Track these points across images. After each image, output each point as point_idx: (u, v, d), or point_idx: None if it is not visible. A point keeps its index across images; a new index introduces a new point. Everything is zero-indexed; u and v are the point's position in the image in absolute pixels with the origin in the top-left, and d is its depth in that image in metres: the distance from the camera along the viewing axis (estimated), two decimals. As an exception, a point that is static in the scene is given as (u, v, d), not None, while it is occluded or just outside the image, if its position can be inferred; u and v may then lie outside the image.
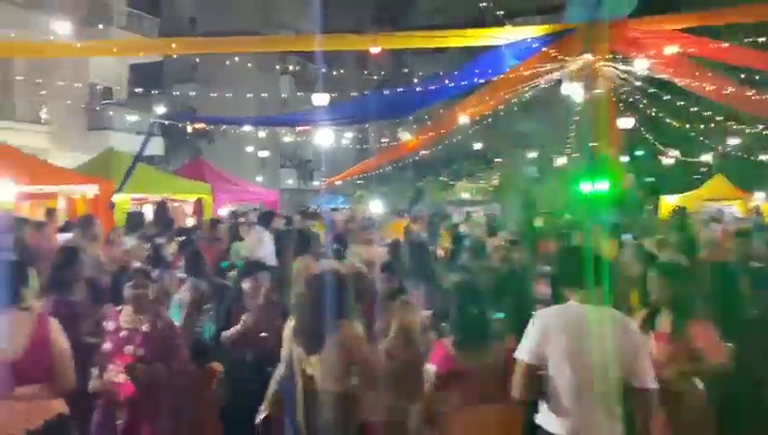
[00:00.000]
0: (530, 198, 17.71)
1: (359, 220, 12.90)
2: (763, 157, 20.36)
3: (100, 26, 20.02)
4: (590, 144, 11.97)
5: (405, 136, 15.81)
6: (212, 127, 20.09)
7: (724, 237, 8.81)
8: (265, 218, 9.84)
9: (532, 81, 11.29)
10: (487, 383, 3.60)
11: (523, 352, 3.26)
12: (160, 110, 14.40)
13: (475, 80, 11.17)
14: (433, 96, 11.96)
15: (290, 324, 4.05)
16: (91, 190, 12.46)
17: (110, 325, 4.19)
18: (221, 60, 23.25)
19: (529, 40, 10.11)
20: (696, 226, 10.80)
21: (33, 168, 12.12)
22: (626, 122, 13.89)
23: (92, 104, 21.93)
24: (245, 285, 4.98)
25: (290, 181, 37.17)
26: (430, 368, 3.76)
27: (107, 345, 4.11)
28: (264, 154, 31.22)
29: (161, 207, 14.19)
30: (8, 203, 11.18)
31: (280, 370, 4.09)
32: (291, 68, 32.59)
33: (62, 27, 10.70)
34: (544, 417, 3.26)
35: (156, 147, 21.74)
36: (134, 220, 12.49)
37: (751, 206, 18.08)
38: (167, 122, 14.91)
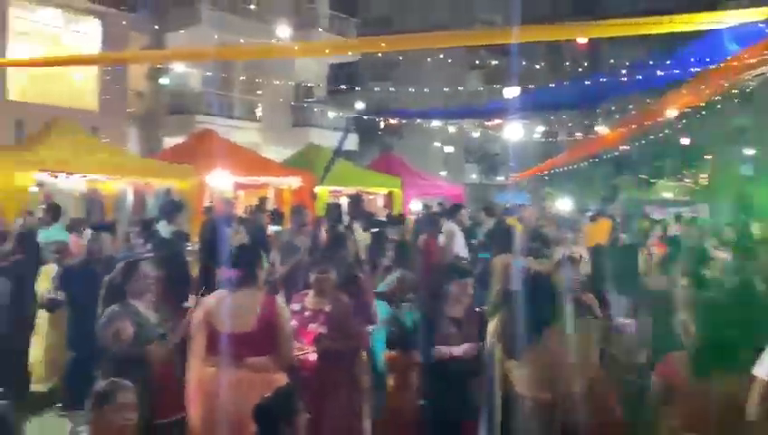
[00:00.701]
0: (746, 200, 15.81)
1: (550, 218, 12.47)
2: None
3: (320, 29, 21.69)
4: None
5: (602, 130, 14.96)
6: (404, 121, 20.74)
7: None
8: (452, 211, 9.75)
9: (758, 69, 9.98)
10: (718, 413, 3.23)
11: (764, 369, 2.89)
12: (358, 106, 15.16)
13: (690, 69, 10.16)
14: (638, 85, 11.04)
15: (493, 323, 3.98)
16: (296, 182, 13.55)
17: (295, 306, 4.54)
18: (414, 58, 23.85)
19: (756, 24, 8.92)
20: None
21: (248, 161, 13.47)
22: None
23: (297, 102, 23.76)
24: (452, 288, 4.62)
25: (473, 176, 37.14)
26: (654, 380, 3.51)
27: (293, 323, 4.41)
28: (449, 149, 31.51)
29: (356, 200, 14.96)
30: (228, 192, 12.58)
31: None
32: (482, 63, 32.49)
33: (283, 32, 11.81)
34: None
35: (350, 142, 22.95)
36: (333, 211, 13.35)
37: None
38: (366, 117, 15.62)
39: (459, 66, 30.94)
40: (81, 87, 18.76)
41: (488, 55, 33.04)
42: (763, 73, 10.97)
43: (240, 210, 12.97)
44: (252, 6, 21.28)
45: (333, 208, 14.04)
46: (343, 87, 20.39)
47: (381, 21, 33.78)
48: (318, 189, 13.78)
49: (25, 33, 17.22)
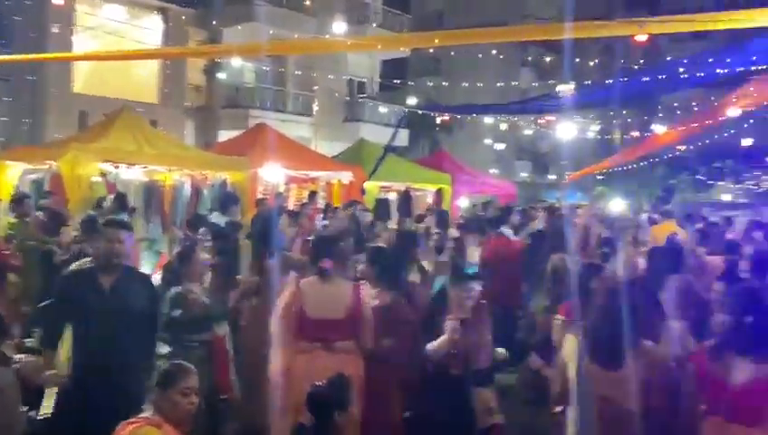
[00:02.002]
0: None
1: (603, 219, 12.15)
2: None
3: (373, 25, 21.79)
4: None
5: (659, 129, 14.58)
6: (458, 117, 20.64)
7: None
8: (502, 214, 9.48)
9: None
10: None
11: None
12: (409, 102, 15.20)
13: (752, 67, 9.81)
14: (694, 82, 10.73)
15: (570, 339, 3.85)
16: (346, 177, 13.67)
17: None
18: (465, 54, 23.70)
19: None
20: None
21: (300, 155, 13.66)
22: None
23: (349, 98, 23.95)
24: (452, 292, 4.41)
25: (524, 174, 36.68)
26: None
27: None
28: (500, 146, 31.25)
29: (404, 196, 14.99)
30: (280, 185, 12.80)
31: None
32: (531, 59, 32.11)
33: (337, 27, 11.98)
34: None
35: (401, 138, 23.02)
36: (382, 207, 13.44)
37: None
38: (420, 112, 15.64)
39: (511, 62, 30.60)
40: (142, 80, 19.41)
41: (541, 51, 32.59)
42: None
43: (291, 203, 13.23)
44: (307, 2, 21.52)
45: (382, 204, 14.19)
46: (395, 82, 20.39)
47: (434, 16, 33.70)
48: (367, 185, 13.87)
49: (91, 29, 17.92)
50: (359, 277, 4.82)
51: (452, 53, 25.91)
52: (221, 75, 21.15)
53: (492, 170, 30.94)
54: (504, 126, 21.80)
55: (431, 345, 4.18)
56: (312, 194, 12.24)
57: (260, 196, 11.61)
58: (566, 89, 14.79)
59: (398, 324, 4.30)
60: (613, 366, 3.58)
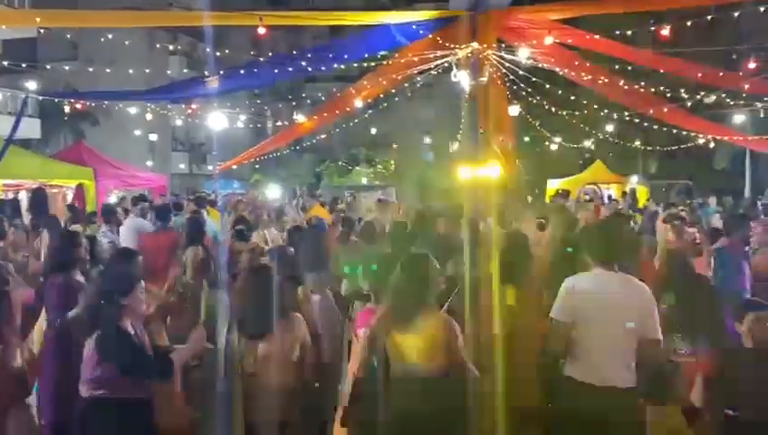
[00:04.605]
0: (424, 182, 18.10)
1: (259, 205, 12.63)
2: (636, 143, 21.89)
3: None
4: (479, 131, 12.30)
5: (301, 119, 15.69)
6: (93, 105, 18.94)
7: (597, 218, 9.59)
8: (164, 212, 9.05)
9: (423, 65, 11.47)
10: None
11: (554, 312, 3.71)
12: (33, 87, 13.44)
13: (366, 61, 11.22)
14: (316, 64, 11.78)
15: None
16: (-46, 175, 11.52)
17: None
18: (103, 37, 21.90)
19: (414, 27, 10.25)
20: (574, 208, 11.52)
21: None
22: (511, 110, 14.50)
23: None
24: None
25: (182, 166, 35.88)
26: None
27: None
28: (153, 137, 29.93)
29: (38, 194, 13.26)
30: None
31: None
32: (181, 48, 31.34)
33: None
34: (569, 367, 3.71)
35: (31, 129, 20.30)
36: (9, 208, 11.64)
37: (626, 189, 19.31)
38: (41, 98, 13.91)
39: (157, 51, 29.46)
40: None
41: (191, 41, 32.13)
42: (429, 70, 12.67)
43: None
44: None
45: (10, 205, 12.28)
46: (16, 66, 17.67)
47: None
48: (-11, 184, 11.91)
49: None
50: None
51: (93, 37, 23.64)
52: None
53: (148, 163, 29.52)
54: (153, 115, 20.85)
55: None
56: None
57: None
58: (211, 78, 14.80)
59: None
60: (257, 337, 3.67)
